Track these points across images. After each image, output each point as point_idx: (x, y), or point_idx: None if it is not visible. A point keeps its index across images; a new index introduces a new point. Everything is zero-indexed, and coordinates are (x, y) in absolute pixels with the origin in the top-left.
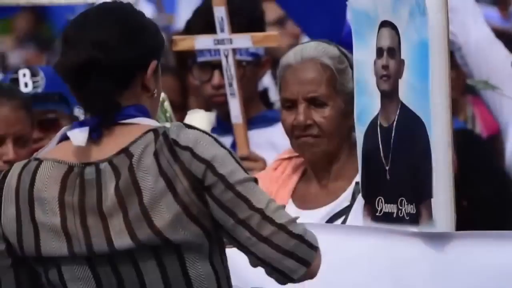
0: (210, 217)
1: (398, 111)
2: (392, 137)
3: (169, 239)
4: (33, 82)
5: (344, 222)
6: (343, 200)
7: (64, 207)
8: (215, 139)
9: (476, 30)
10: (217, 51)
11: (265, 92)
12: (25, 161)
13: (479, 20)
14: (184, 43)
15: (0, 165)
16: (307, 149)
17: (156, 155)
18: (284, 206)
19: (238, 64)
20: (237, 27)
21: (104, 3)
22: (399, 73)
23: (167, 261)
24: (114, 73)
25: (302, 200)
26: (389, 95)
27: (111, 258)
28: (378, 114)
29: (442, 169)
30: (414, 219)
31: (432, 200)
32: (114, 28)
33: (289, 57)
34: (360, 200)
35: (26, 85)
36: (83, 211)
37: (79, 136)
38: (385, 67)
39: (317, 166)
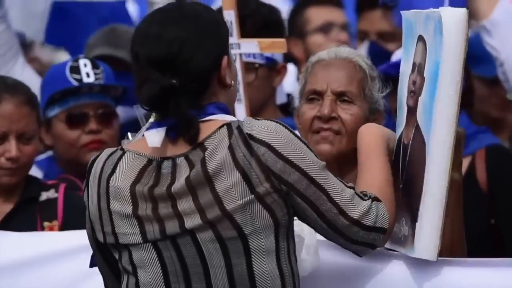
0: (285, 208)
1: (413, 130)
2: (408, 156)
3: (238, 225)
4: (95, 74)
5: None
6: None
7: (135, 196)
8: (288, 129)
9: None
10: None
11: (289, 100)
12: (113, 148)
13: None
14: None
15: (3, 162)
16: (323, 146)
17: (230, 148)
18: (353, 188)
19: (251, 66)
20: (252, 30)
21: (161, 9)
22: (420, 90)
23: (233, 253)
24: (191, 88)
25: None
26: (412, 112)
27: (178, 244)
28: (403, 129)
29: (434, 196)
30: (405, 241)
31: (417, 224)
32: (180, 41)
33: (322, 54)
34: None
35: (88, 75)
36: (153, 198)
37: (155, 137)
38: (414, 82)
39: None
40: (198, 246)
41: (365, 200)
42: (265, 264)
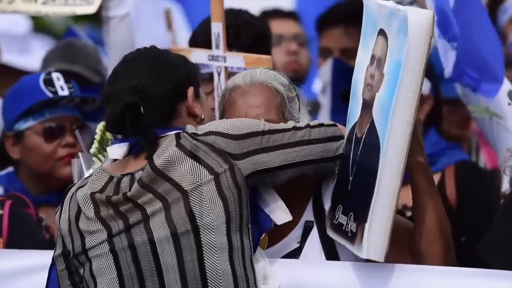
0: (238, 201)
1: (368, 125)
2: (359, 150)
3: (191, 210)
4: (68, 88)
5: None
6: (292, 239)
7: (96, 201)
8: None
9: None
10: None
11: None
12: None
13: None
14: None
15: None
16: None
17: (179, 145)
18: None
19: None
20: (245, 42)
21: (128, 54)
22: (378, 86)
23: (185, 249)
24: (153, 111)
25: None
26: (367, 106)
27: (134, 246)
28: (357, 122)
29: (384, 197)
30: (352, 238)
31: (366, 224)
32: (142, 72)
33: (238, 79)
34: (312, 240)
35: (62, 88)
36: (112, 203)
37: (117, 150)
38: (372, 76)
39: None
40: (153, 243)
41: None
42: (217, 261)
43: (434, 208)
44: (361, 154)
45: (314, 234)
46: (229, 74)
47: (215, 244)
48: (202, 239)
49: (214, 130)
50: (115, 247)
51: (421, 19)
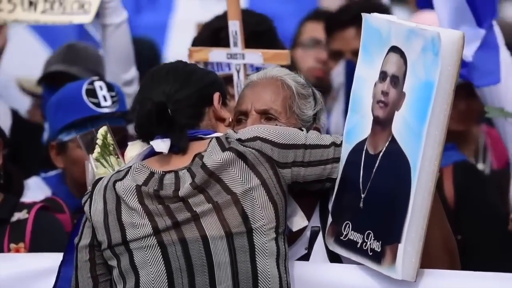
0: (284, 207)
1: (387, 143)
2: (375, 168)
3: (244, 211)
4: (111, 97)
5: None
6: (300, 245)
7: (141, 194)
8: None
9: None
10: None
11: None
12: (120, 169)
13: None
14: (199, 55)
15: None
16: None
17: (230, 148)
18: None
19: None
20: (250, 42)
21: (153, 68)
22: (397, 104)
23: (238, 249)
24: (182, 112)
25: None
26: (382, 124)
27: (185, 239)
28: (366, 138)
29: (418, 218)
30: (376, 258)
31: (399, 245)
32: (169, 79)
33: (253, 76)
34: (318, 247)
35: (105, 98)
36: (159, 197)
37: (161, 144)
38: (385, 93)
39: None
40: (206, 240)
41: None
42: (267, 265)
43: (439, 226)
44: (378, 172)
45: (320, 240)
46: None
47: (266, 248)
48: (255, 242)
49: (259, 136)
50: (163, 241)
51: (452, 39)
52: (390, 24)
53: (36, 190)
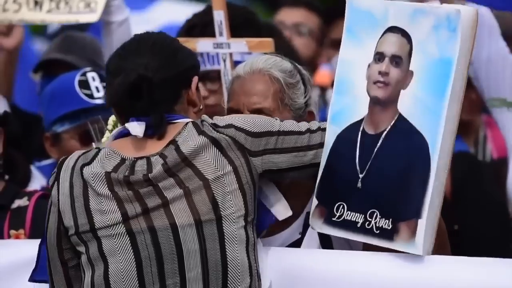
0: (253, 196)
1: (393, 122)
2: (378, 147)
3: (214, 197)
4: (104, 88)
5: None
6: (295, 229)
7: (111, 180)
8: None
9: (489, 44)
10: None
11: None
12: (86, 150)
13: (495, 33)
14: (187, 45)
15: None
16: None
17: (204, 134)
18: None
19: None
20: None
21: (138, 34)
22: (402, 83)
23: (208, 237)
24: (162, 89)
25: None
26: (383, 103)
27: (154, 227)
28: (362, 119)
29: (437, 194)
30: (387, 235)
31: (420, 221)
32: (153, 53)
33: (240, 68)
34: (311, 231)
35: (97, 89)
36: (129, 183)
37: (137, 127)
38: (384, 73)
39: None
40: (175, 228)
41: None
42: (237, 252)
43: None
44: (382, 151)
45: None
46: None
47: (236, 236)
48: (224, 229)
49: (234, 124)
50: (132, 229)
51: (469, 15)
52: (387, 5)
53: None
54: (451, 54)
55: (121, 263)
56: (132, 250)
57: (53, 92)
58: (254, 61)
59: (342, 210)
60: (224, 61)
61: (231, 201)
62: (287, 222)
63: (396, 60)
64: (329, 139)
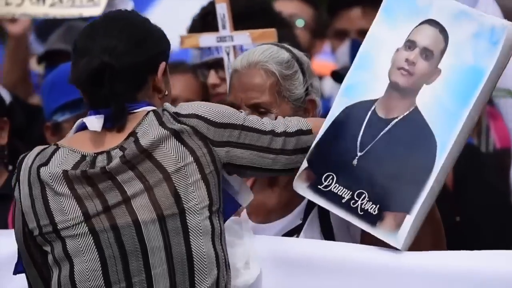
0: (218, 186)
1: (407, 112)
2: (385, 131)
3: (176, 190)
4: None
5: None
6: (296, 215)
7: (69, 178)
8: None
9: None
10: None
11: None
12: (44, 146)
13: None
14: (190, 41)
15: None
16: None
17: (163, 125)
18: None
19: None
20: (245, 23)
21: (110, 12)
22: (427, 78)
23: (171, 231)
24: (125, 77)
25: (256, 212)
26: (402, 91)
27: (117, 225)
28: (375, 100)
29: (432, 195)
30: (369, 219)
31: (408, 216)
32: (122, 35)
33: (237, 62)
34: (312, 218)
35: None
36: (88, 177)
37: (95, 122)
38: (411, 62)
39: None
40: (138, 225)
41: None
42: (202, 244)
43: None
44: (388, 137)
45: (315, 212)
46: None
47: (200, 227)
48: (188, 222)
49: (196, 113)
50: (95, 228)
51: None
52: None
53: None
54: (486, 66)
55: (86, 262)
56: (96, 249)
57: (53, 82)
58: (251, 54)
59: (331, 181)
60: (228, 54)
61: (194, 192)
62: (289, 208)
63: (427, 53)
64: (336, 108)
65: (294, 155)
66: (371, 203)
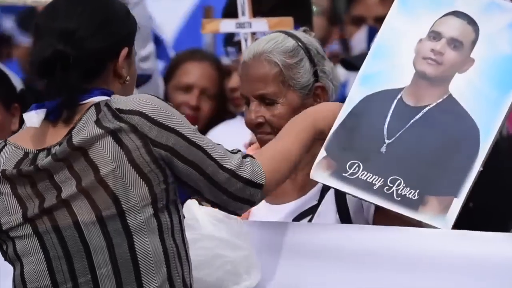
0: (163, 181)
1: (440, 100)
2: (416, 119)
3: (113, 193)
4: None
5: (310, 221)
6: (311, 197)
7: (8, 177)
8: (159, 98)
9: None
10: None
11: None
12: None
13: None
14: (210, 26)
15: None
16: (263, 145)
17: (98, 122)
18: (222, 145)
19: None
20: (265, 9)
21: None
22: (459, 67)
23: (113, 233)
24: (82, 65)
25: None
26: (431, 80)
27: (58, 225)
28: (400, 89)
29: (474, 179)
30: (410, 204)
31: (455, 199)
32: (84, 16)
33: (245, 53)
34: (328, 200)
35: None
36: (24, 176)
37: (33, 118)
38: (438, 53)
39: None
40: (78, 226)
41: (235, 153)
42: (147, 243)
43: None
44: (420, 124)
45: (331, 193)
46: None
47: (144, 226)
48: (129, 223)
49: (140, 110)
50: (38, 229)
51: None
52: None
53: None
54: None
55: (33, 263)
56: (42, 250)
57: None
58: (256, 44)
59: (357, 168)
60: (246, 40)
61: (132, 192)
62: (305, 189)
63: (455, 43)
64: (355, 97)
65: (235, 202)
66: (408, 188)
